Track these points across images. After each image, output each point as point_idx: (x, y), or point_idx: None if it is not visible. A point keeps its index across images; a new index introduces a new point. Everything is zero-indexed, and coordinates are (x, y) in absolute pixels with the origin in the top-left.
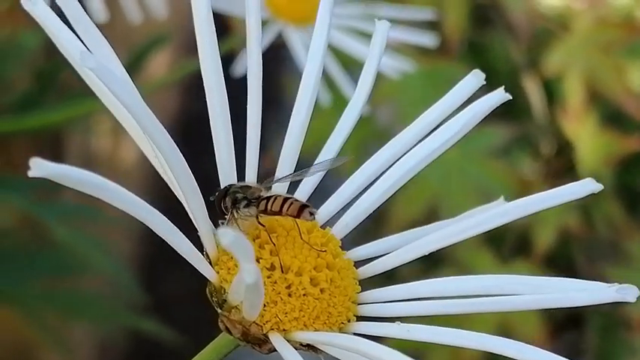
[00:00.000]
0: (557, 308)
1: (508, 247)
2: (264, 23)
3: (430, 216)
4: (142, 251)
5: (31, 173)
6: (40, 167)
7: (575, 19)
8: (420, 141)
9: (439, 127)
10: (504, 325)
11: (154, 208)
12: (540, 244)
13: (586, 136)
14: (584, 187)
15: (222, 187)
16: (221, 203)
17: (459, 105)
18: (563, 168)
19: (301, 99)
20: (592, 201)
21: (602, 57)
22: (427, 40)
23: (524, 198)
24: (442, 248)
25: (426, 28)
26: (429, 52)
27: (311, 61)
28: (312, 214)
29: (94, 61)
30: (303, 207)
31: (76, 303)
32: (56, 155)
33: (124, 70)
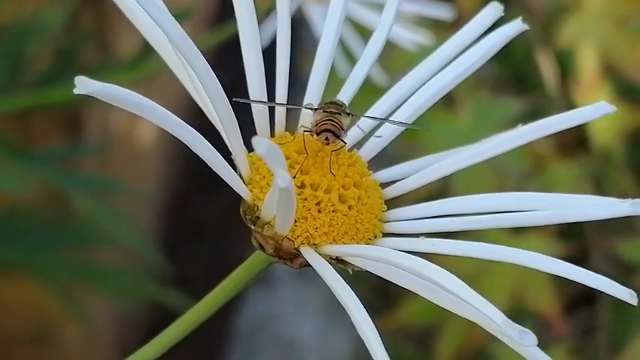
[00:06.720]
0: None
1: None
2: None
3: (443, 188)
4: (163, 225)
5: (76, 90)
6: (84, 85)
7: None
8: (440, 70)
9: (460, 56)
10: (518, 298)
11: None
12: None
13: None
14: (598, 109)
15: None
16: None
17: (477, 36)
18: (576, 141)
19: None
20: (604, 174)
21: (616, 31)
22: (444, 12)
23: (539, 121)
24: (463, 169)
25: (441, 2)
26: (443, 26)
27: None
28: (327, 139)
29: None
30: (322, 132)
31: (97, 275)
32: (75, 130)
33: None
